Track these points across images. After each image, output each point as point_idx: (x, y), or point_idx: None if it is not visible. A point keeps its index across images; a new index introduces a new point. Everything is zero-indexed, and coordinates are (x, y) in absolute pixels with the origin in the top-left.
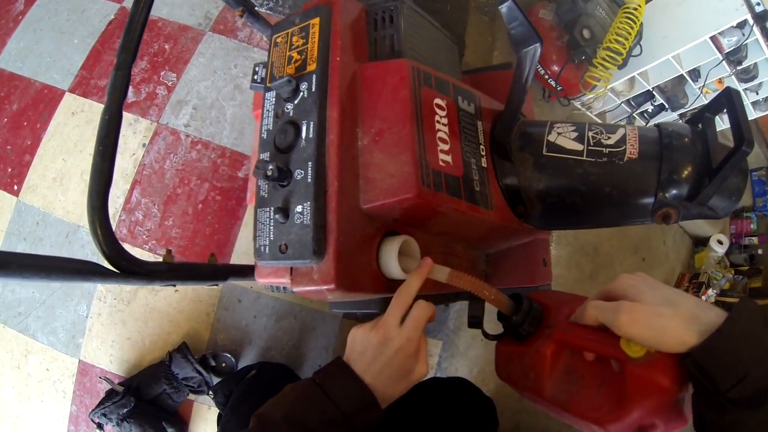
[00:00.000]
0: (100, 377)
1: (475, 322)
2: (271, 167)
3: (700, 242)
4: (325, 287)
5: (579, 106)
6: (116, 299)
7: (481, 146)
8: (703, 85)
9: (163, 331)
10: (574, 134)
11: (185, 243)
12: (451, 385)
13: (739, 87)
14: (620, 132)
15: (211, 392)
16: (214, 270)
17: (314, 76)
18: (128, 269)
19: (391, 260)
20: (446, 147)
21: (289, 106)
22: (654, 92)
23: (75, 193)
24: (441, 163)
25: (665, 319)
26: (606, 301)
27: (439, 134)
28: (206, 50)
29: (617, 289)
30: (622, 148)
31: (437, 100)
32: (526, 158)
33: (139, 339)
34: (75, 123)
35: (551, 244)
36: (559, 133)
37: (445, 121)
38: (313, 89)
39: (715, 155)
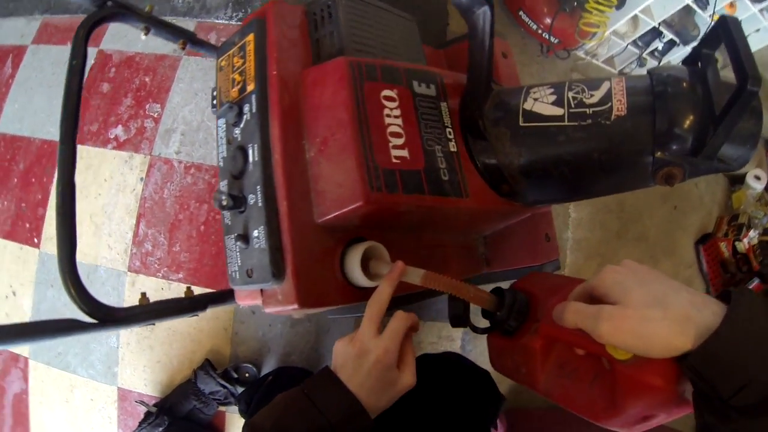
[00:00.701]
0: (135, 401)
1: (457, 321)
2: (223, 197)
3: (737, 180)
4: (290, 307)
5: (583, 56)
6: (141, 328)
7: (448, 129)
8: (713, 13)
9: (187, 351)
10: (553, 97)
11: (194, 265)
12: (439, 360)
13: (753, 8)
14: (604, 87)
15: (235, 402)
16: (191, 302)
17: (253, 96)
18: (105, 319)
19: (354, 269)
20: (400, 141)
21: (236, 131)
22: (661, 28)
23: (87, 236)
24: (394, 160)
25: (653, 324)
26: (590, 296)
27: (391, 129)
28: (185, 75)
29: (600, 286)
30: (608, 105)
31: (385, 92)
32: (503, 132)
33: (167, 361)
34: (77, 171)
35: (570, 208)
36: (535, 99)
37: (397, 112)
38: (254, 110)
39: (719, 98)
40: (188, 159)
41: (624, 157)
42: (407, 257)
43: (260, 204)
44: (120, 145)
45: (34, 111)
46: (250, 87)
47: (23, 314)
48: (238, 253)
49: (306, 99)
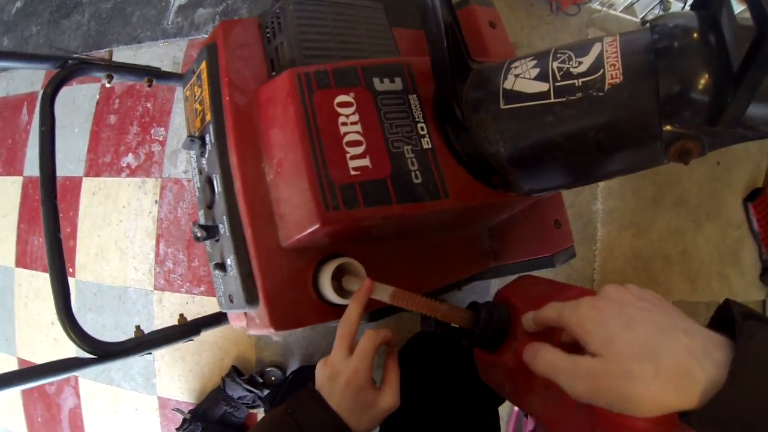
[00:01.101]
0: (172, 409)
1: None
2: (196, 229)
3: None
4: (267, 331)
5: (598, 7)
6: None
7: (419, 125)
8: None
9: (216, 359)
10: (536, 71)
11: None
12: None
13: None
14: (594, 51)
15: (262, 404)
16: (184, 329)
17: (211, 125)
18: (104, 354)
19: (325, 289)
20: (360, 149)
21: (204, 162)
22: None
23: (114, 261)
24: (353, 172)
25: (642, 383)
26: (565, 329)
27: (348, 138)
28: (182, 95)
29: (578, 327)
30: (599, 72)
31: (340, 98)
32: (484, 119)
33: (198, 369)
34: (97, 201)
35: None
36: (516, 76)
37: (354, 118)
38: (213, 140)
39: (738, 50)
40: (194, 182)
41: (625, 134)
42: (395, 264)
43: (228, 233)
44: (132, 172)
45: None
46: (208, 116)
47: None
48: (220, 280)
49: (261, 119)
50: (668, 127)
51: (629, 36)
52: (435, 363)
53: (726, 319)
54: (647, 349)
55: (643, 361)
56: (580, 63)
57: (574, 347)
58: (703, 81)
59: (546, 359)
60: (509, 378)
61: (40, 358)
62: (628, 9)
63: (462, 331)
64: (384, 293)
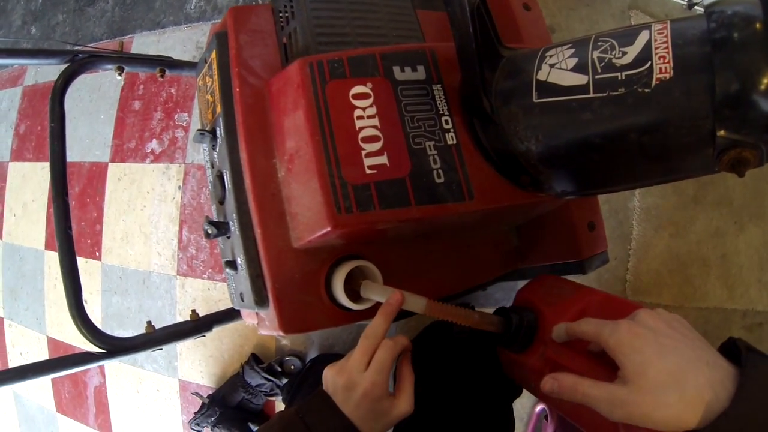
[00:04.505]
0: (191, 393)
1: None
2: (206, 226)
3: None
4: (276, 333)
5: None
6: None
7: (444, 118)
8: None
9: (236, 345)
10: (573, 61)
11: None
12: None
13: None
14: (641, 40)
15: (280, 392)
16: (195, 325)
17: (221, 118)
18: (114, 349)
19: (339, 293)
20: (377, 146)
21: (215, 155)
22: None
23: (139, 245)
24: (369, 171)
25: (668, 411)
26: (599, 343)
27: (364, 133)
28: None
29: (616, 349)
30: (647, 65)
31: (356, 90)
32: (514, 113)
33: (219, 355)
34: (123, 187)
35: None
36: (552, 66)
37: (371, 111)
38: (223, 133)
39: None
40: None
41: (673, 138)
42: (414, 267)
43: (238, 232)
44: (157, 158)
45: (80, 138)
46: (218, 108)
47: (96, 318)
48: (231, 278)
49: (273, 111)
50: (722, 132)
51: (681, 23)
52: (447, 357)
53: (731, 351)
54: (675, 379)
55: (671, 391)
56: (624, 53)
57: (600, 356)
58: (766, 80)
59: (585, 393)
60: (536, 376)
61: (68, 338)
62: None
63: (492, 335)
64: (416, 305)
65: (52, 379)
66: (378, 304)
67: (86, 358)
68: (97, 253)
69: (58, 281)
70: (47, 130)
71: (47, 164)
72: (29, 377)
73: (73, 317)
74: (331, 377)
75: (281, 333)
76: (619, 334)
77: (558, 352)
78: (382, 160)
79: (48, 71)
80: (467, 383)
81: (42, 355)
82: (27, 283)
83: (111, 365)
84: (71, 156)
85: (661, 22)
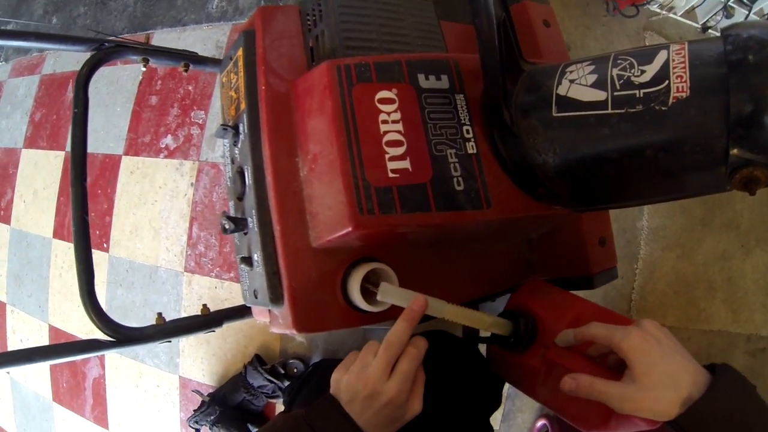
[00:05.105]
0: (192, 390)
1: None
2: (224, 221)
3: None
4: (289, 332)
5: (657, 10)
6: None
7: (465, 127)
8: None
9: (240, 345)
10: (593, 77)
11: None
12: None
13: None
14: (659, 59)
15: (282, 395)
16: (206, 319)
17: (245, 114)
18: (123, 338)
19: (354, 294)
20: (400, 150)
21: (236, 152)
22: None
23: (148, 240)
24: (392, 174)
25: (665, 405)
26: (609, 347)
27: (388, 137)
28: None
29: (628, 349)
30: (664, 84)
31: (381, 94)
32: (534, 125)
33: (222, 354)
34: (135, 180)
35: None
36: (572, 81)
37: (396, 116)
38: (246, 130)
39: None
40: (225, 172)
41: (687, 156)
42: (429, 273)
43: (256, 228)
44: (171, 154)
45: (94, 129)
46: (243, 105)
47: None
48: (246, 274)
49: (297, 111)
50: (736, 151)
51: (699, 45)
52: (437, 368)
53: (710, 366)
54: (672, 380)
55: (669, 390)
56: (642, 72)
57: (601, 358)
58: None
59: (600, 390)
60: (530, 376)
61: (70, 327)
62: (689, 13)
63: (496, 337)
64: (437, 309)
65: (51, 367)
66: (392, 308)
67: (94, 345)
68: (105, 245)
69: (63, 270)
70: (63, 119)
71: (61, 153)
72: (36, 360)
73: (84, 303)
74: (347, 383)
75: (294, 331)
76: (631, 339)
77: (559, 354)
78: (405, 164)
79: (66, 62)
80: (452, 395)
81: (42, 342)
82: (32, 269)
83: (112, 358)
84: None
85: (679, 43)
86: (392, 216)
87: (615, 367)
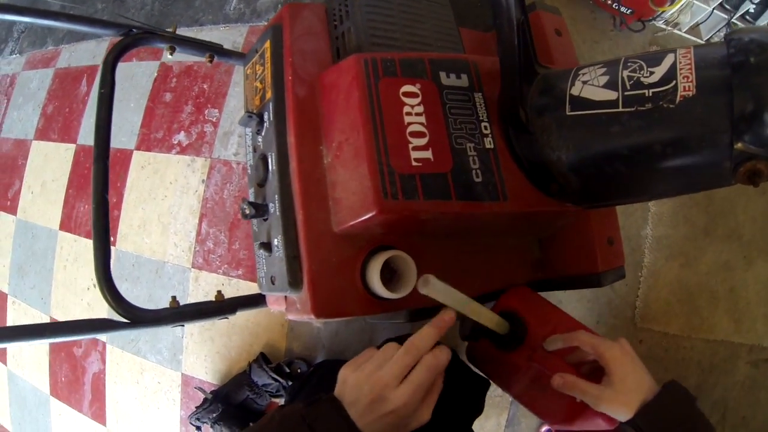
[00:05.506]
0: (195, 387)
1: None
2: (245, 206)
3: None
4: (307, 317)
5: (662, 26)
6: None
7: (483, 124)
8: None
9: (245, 343)
10: (605, 78)
11: (252, 262)
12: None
13: None
14: (667, 61)
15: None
16: (220, 305)
17: (271, 103)
18: (137, 319)
19: (374, 281)
20: (423, 141)
21: (259, 140)
22: None
23: (156, 235)
24: (415, 163)
25: (630, 406)
26: (592, 352)
27: (411, 128)
28: (240, 79)
29: (610, 359)
30: (672, 84)
31: (406, 88)
32: (548, 124)
33: (226, 352)
34: (146, 175)
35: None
36: (584, 82)
37: (419, 109)
38: (272, 118)
39: None
40: (246, 160)
41: (693, 150)
42: (443, 264)
43: (278, 213)
44: (183, 150)
45: None
46: (268, 95)
47: (102, 304)
48: (263, 260)
49: (323, 102)
50: (739, 146)
51: (704, 48)
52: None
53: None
54: (639, 386)
55: (637, 394)
56: (651, 73)
57: (579, 366)
58: None
59: (582, 389)
60: (511, 373)
61: None
62: (694, 29)
63: (490, 334)
64: (461, 303)
65: (50, 360)
66: (409, 297)
67: (107, 324)
68: (112, 239)
69: (68, 263)
70: (75, 113)
71: (72, 146)
72: (46, 336)
73: (99, 283)
74: (354, 381)
75: (312, 316)
76: (614, 351)
77: (544, 357)
78: (427, 154)
79: (82, 56)
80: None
81: None
82: (36, 261)
83: (114, 353)
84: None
85: (685, 47)
86: (415, 202)
87: (587, 374)
